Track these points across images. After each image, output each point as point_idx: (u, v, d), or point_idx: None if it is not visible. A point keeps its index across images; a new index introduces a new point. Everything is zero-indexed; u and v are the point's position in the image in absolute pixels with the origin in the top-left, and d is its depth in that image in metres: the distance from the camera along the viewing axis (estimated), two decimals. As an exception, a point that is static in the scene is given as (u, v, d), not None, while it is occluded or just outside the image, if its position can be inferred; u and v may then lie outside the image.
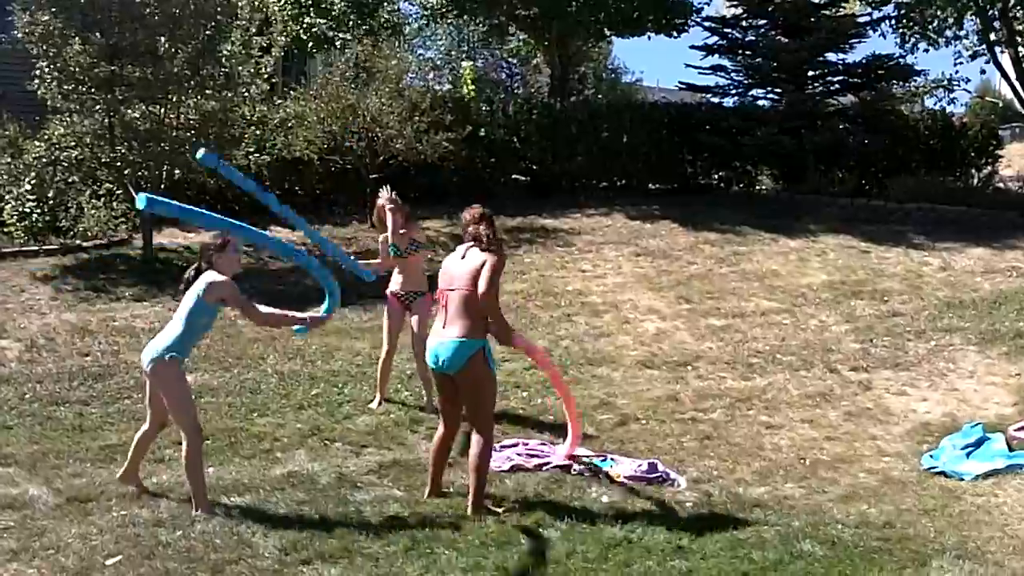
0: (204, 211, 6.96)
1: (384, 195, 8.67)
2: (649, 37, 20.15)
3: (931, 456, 7.60)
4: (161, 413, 6.42)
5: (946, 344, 10.56)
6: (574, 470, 7.15)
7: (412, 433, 7.93)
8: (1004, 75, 19.96)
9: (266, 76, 14.07)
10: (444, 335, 6.30)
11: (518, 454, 7.31)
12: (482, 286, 6.19)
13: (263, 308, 6.68)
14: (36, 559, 5.52)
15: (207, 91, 13.23)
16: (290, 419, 8.17)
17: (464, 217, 6.60)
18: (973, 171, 19.59)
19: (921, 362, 10.06)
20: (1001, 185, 19.29)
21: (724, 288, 12.37)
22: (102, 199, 14.30)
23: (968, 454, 7.53)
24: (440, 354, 6.30)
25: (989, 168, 19.86)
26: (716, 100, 19.82)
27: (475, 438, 6.31)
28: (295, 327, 7.01)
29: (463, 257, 6.42)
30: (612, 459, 7.32)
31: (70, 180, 14.08)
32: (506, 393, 8.87)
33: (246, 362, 9.67)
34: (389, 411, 8.36)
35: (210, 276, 6.22)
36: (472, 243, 6.43)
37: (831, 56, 19.21)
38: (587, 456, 7.35)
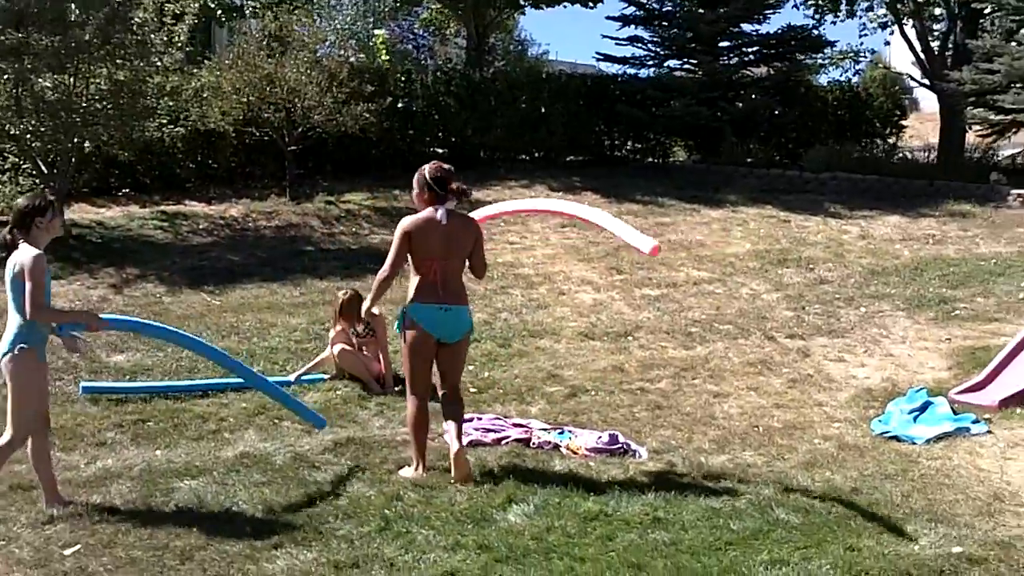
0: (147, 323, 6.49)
1: (342, 295, 8.60)
2: (565, 7, 20.04)
3: (880, 421, 7.69)
4: (41, 411, 5.78)
5: (876, 311, 10.74)
6: (533, 443, 7.04)
7: (362, 410, 7.73)
8: (910, 45, 20.39)
9: (179, 45, 13.54)
10: (452, 302, 6.24)
11: (475, 429, 7.17)
12: (481, 266, 6.51)
13: (44, 310, 5.58)
14: (-14, 552, 5.22)
15: (118, 60, 12.70)
16: (233, 398, 7.88)
17: (436, 174, 6.26)
18: (878, 141, 20.05)
19: (854, 328, 10.21)
20: (908, 155, 19.74)
21: (653, 259, 12.34)
22: (7, 174, 13.69)
23: (915, 418, 7.63)
24: (450, 322, 6.23)
25: (894, 138, 20.35)
26: (632, 71, 19.84)
27: (458, 399, 6.44)
28: (64, 326, 5.93)
29: (448, 221, 6.22)
30: (569, 431, 7.23)
31: (-26, 153, 13.47)
32: (454, 367, 8.74)
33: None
34: (335, 388, 8.14)
35: (22, 255, 5.48)
36: (454, 202, 6.22)
37: (746, 27, 19.38)
38: (543, 429, 7.25)
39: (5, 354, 5.55)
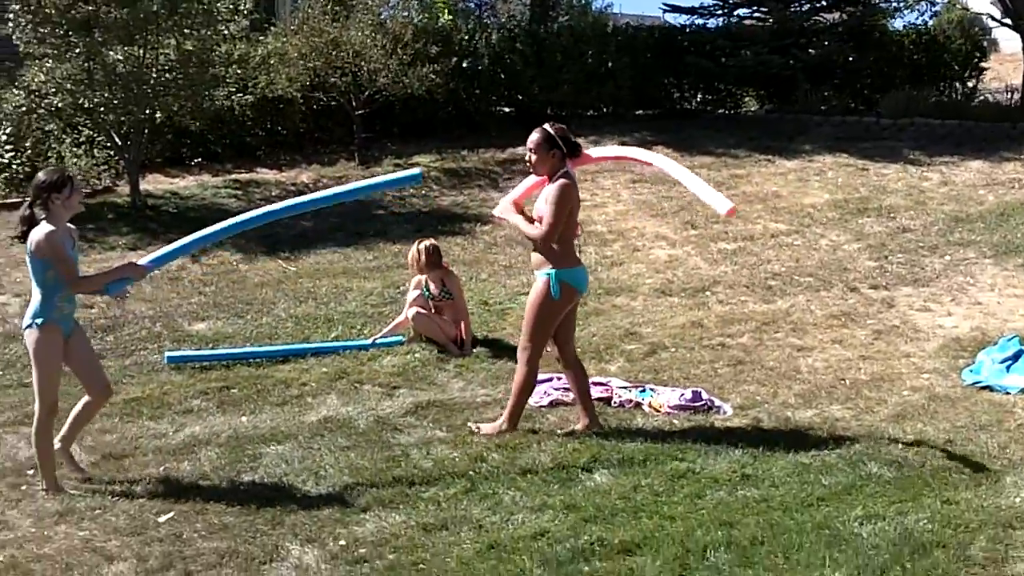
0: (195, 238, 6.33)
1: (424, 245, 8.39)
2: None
3: (971, 371, 7.49)
4: (94, 381, 5.82)
5: (961, 258, 10.46)
6: (614, 402, 6.98)
7: (441, 372, 7.73)
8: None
9: (244, 12, 13.56)
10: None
11: (555, 389, 7.12)
12: None
13: (78, 280, 5.70)
14: (84, 520, 5.31)
15: (186, 30, 12.75)
16: (313, 364, 7.92)
17: (564, 133, 6.11)
18: (957, 84, 19.45)
19: (939, 277, 9.96)
20: (989, 97, 19.14)
21: (729, 212, 12.16)
22: (83, 147, 13.87)
23: (1008, 367, 7.42)
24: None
25: (973, 81, 19.73)
26: (700, 22, 19.44)
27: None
28: (108, 285, 5.88)
29: None
30: (651, 389, 7.15)
31: (47, 128, 13.64)
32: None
33: (257, 307, 9.41)
34: (413, 351, 8.13)
35: (36, 233, 5.48)
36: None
37: (817, -28, 18.86)
38: (623, 387, 7.18)
39: (28, 327, 5.60)
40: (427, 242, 8.41)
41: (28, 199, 5.68)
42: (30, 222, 5.57)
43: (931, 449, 5.94)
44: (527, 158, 6.23)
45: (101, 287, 5.94)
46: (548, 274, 6.09)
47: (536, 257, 6.23)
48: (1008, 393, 7.01)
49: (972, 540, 4.73)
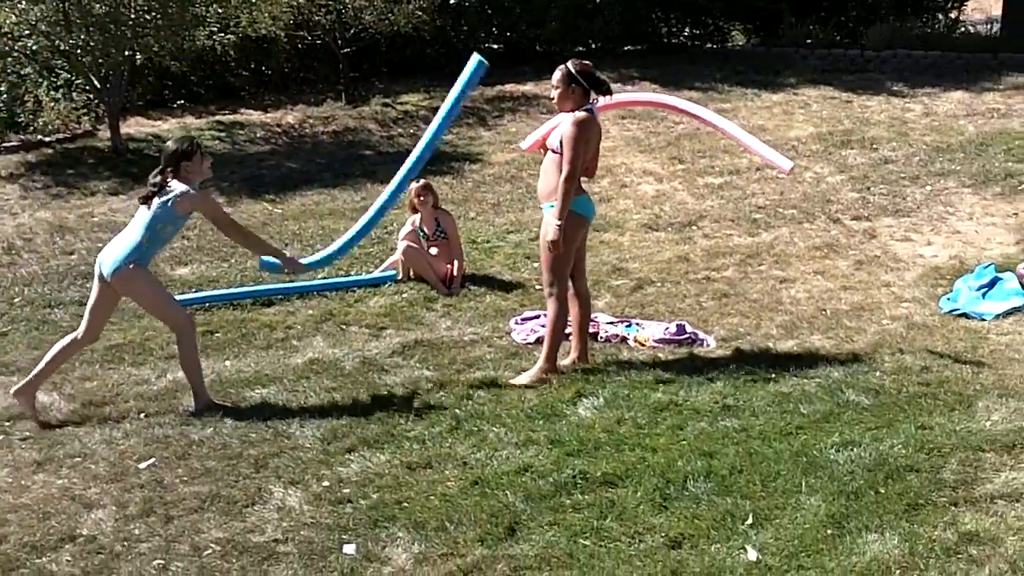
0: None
1: (417, 184, 8.43)
2: None
3: (948, 299, 7.58)
4: (98, 326, 6.10)
5: (941, 188, 10.51)
6: (600, 337, 7.05)
7: (428, 312, 7.78)
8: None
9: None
10: None
11: (542, 325, 7.17)
12: None
13: (242, 228, 6.39)
14: (63, 468, 5.37)
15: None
16: (299, 306, 7.99)
17: (583, 68, 6.16)
18: (940, 16, 19.35)
19: (920, 207, 10.01)
20: (970, 28, 19.06)
21: (714, 146, 12.17)
22: (61, 91, 13.77)
23: (984, 295, 7.52)
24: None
25: (955, 12, 19.62)
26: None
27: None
28: (265, 258, 6.31)
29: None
30: (637, 324, 7.22)
31: (24, 72, 13.51)
32: (517, 265, 8.74)
33: (242, 251, 9.36)
34: (401, 291, 8.18)
35: (182, 187, 5.81)
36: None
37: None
38: (610, 322, 7.25)
39: (119, 270, 5.81)
40: (420, 182, 8.46)
41: (159, 167, 5.94)
42: (160, 187, 5.84)
43: (908, 376, 6.03)
44: (551, 95, 6.31)
45: (258, 250, 6.31)
46: (554, 205, 6.11)
47: (542, 187, 6.29)
48: (984, 320, 7.11)
49: (944, 464, 4.84)
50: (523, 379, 6.24)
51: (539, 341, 6.96)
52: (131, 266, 5.81)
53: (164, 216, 5.82)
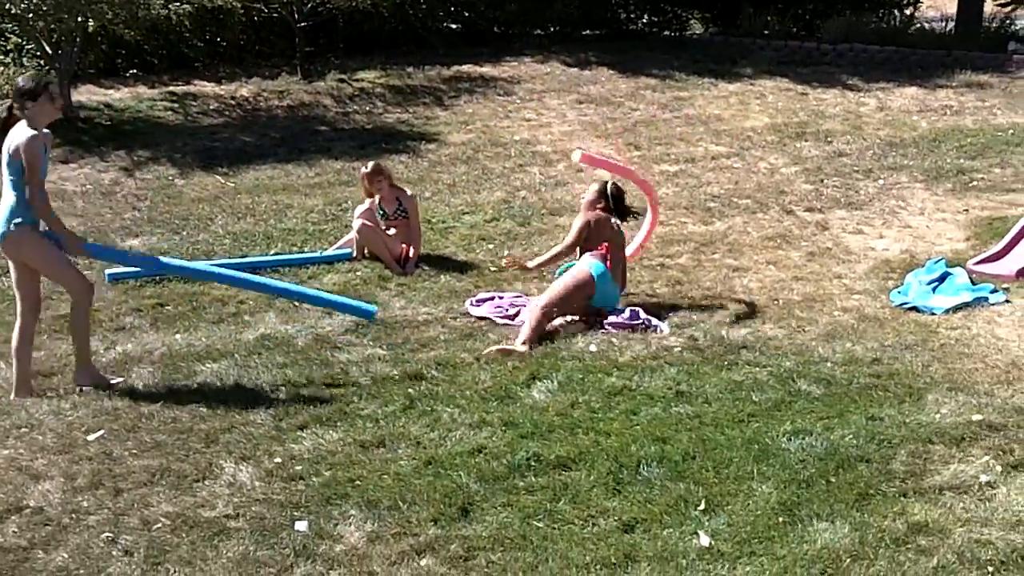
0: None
1: (369, 166, 8.47)
2: None
3: (899, 292, 7.66)
4: (30, 296, 5.88)
5: (894, 182, 10.63)
6: (556, 322, 7.04)
7: (382, 290, 7.74)
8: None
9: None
10: None
11: (497, 307, 7.18)
12: None
13: (42, 196, 5.65)
14: (10, 439, 5.28)
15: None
16: (252, 281, 7.88)
17: (618, 193, 7.44)
18: (896, 12, 19.57)
19: (872, 201, 10.11)
20: (925, 26, 19.29)
21: (671, 134, 12.23)
22: (11, 55, 13.49)
23: (934, 289, 7.60)
24: None
25: (911, 8, 19.86)
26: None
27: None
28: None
29: None
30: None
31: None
32: (472, 246, 8.71)
33: (194, 223, 9.32)
34: (355, 269, 8.12)
35: (17, 134, 5.53)
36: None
37: None
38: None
39: (4, 235, 5.59)
40: (369, 166, 8.42)
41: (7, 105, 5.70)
42: (8, 125, 5.58)
43: (859, 367, 6.09)
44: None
45: (49, 222, 5.79)
46: (598, 268, 7.02)
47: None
48: (933, 314, 7.18)
49: (894, 454, 4.89)
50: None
51: (493, 322, 6.99)
52: (14, 226, 5.58)
53: (13, 168, 5.53)
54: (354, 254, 8.32)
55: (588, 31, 17.88)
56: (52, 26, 12.19)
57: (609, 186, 7.43)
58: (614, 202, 7.36)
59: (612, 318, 6.95)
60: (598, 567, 4.05)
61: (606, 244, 7.17)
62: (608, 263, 7.09)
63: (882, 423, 5.25)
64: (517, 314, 7.06)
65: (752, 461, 4.82)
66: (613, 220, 7.29)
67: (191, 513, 4.49)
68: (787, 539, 4.18)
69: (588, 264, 7.08)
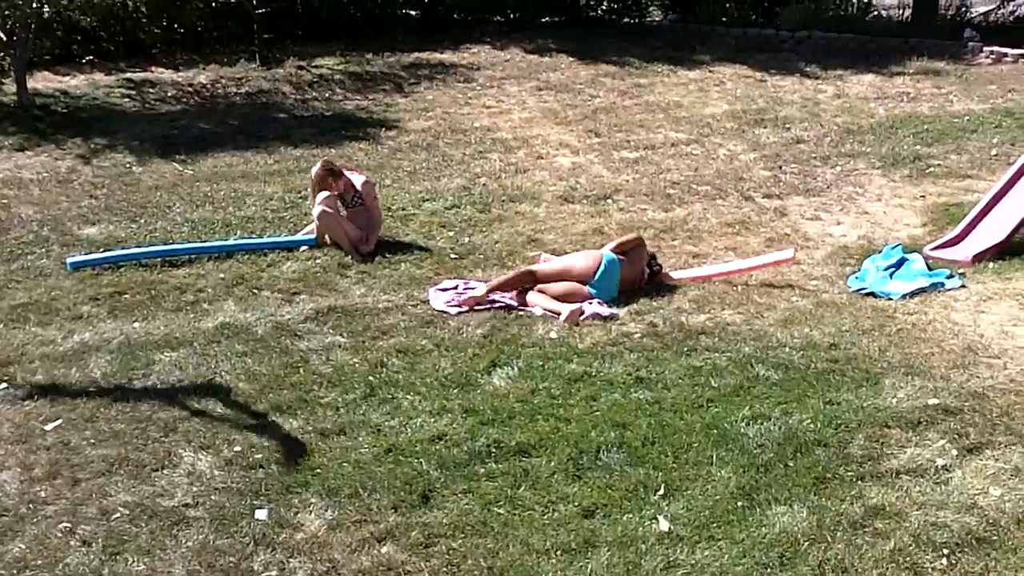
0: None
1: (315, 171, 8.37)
2: None
3: (856, 278, 7.73)
4: None
5: (851, 169, 10.70)
6: (519, 310, 7.04)
7: (342, 278, 7.68)
8: None
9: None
10: None
11: (458, 294, 7.16)
12: None
13: None
14: (-34, 428, 5.22)
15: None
16: (210, 269, 7.82)
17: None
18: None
19: (830, 187, 10.18)
20: (883, 13, 19.45)
21: (631, 121, 12.25)
22: (-38, 43, 13.28)
23: (891, 275, 7.67)
24: None
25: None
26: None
27: None
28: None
29: None
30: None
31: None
32: (432, 233, 8.69)
33: (151, 211, 9.21)
34: (315, 257, 8.08)
35: None
36: None
37: None
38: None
39: None
40: (319, 165, 8.39)
41: None
42: None
43: (816, 352, 6.14)
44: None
45: None
46: (610, 256, 7.29)
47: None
48: (890, 299, 7.26)
49: (851, 439, 4.95)
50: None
51: (456, 310, 6.97)
52: None
53: None
54: (316, 240, 8.27)
55: (548, 18, 17.88)
56: (7, 12, 12.04)
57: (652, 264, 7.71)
58: (650, 275, 7.64)
59: (596, 305, 6.96)
60: (558, 552, 4.07)
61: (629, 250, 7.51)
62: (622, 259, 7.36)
63: (839, 408, 5.31)
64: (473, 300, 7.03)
65: (711, 446, 4.87)
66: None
67: (150, 502, 4.47)
68: (746, 523, 4.22)
69: (603, 252, 7.36)
